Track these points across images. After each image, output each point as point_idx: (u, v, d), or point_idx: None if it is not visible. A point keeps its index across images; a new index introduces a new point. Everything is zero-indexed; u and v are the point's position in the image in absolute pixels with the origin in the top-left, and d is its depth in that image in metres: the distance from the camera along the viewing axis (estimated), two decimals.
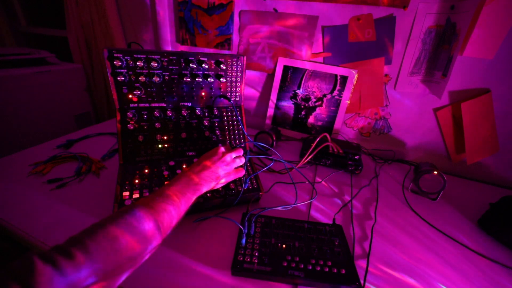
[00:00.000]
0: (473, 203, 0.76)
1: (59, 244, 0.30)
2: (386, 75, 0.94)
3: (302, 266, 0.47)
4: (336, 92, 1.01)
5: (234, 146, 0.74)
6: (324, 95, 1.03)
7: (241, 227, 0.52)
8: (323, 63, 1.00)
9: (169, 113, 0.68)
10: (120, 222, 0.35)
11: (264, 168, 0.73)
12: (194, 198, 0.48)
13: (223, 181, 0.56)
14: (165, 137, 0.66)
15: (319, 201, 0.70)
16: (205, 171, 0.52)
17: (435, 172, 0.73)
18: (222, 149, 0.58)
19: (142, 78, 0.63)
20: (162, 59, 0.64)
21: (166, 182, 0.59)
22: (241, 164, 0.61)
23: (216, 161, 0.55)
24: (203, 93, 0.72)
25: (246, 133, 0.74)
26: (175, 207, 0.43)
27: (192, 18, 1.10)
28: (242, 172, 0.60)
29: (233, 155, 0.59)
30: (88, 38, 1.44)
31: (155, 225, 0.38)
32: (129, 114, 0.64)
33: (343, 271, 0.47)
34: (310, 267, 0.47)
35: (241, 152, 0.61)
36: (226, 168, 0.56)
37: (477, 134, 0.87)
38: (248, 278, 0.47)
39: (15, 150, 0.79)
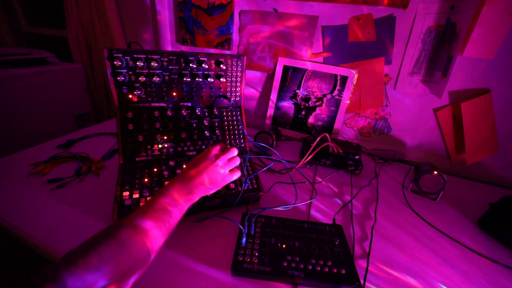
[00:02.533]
0: (473, 203, 0.76)
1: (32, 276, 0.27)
2: (386, 75, 0.94)
3: (302, 266, 0.47)
4: (336, 92, 1.01)
5: (228, 146, 0.74)
6: (324, 95, 1.03)
7: (241, 227, 0.52)
8: (323, 63, 1.00)
9: (169, 113, 0.68)
10: (102, 249, 0.31)
11: (264, 168, 0.73)
12: (187, 207, 0.46)
13: (217, 186, 0.52)
14: (165, 137, 0.66)
15: (319, 201, 0.70)
16: (197, 178, 0.48)
17: (435, 172, 0.73)
18: (214, 151, 0.53)
19: (142, 78, 0.63)
20: (162, 59, 0.64)
21: (155, 189, 0.56)
22: (236, 165, 0.56)
23: (208, 166, 0.50)
24: (203, 93, 0.72)
25: (246, 133, 0.74)
26: (166, 222, 0.40)
27: (192, 18, 1.10)
28: (238, 174, 0.56)
29: (227, 157, 0.54)
30: (88, 38, 1.44)
31: (142, 248, 0.35)
32: (129, 114, 0.64)
33: (343, 271, 0.47)
34: (310, 267, 0.47)
35: (235, 151, 0.56)
36: (220, 173, 0.52)
37: (477, 134, 0.87)
38: (248, 278, 0.47)
39: (15, 150, 0.79)
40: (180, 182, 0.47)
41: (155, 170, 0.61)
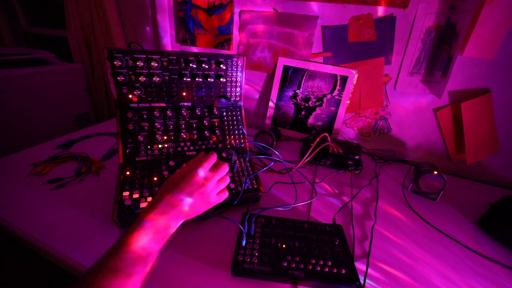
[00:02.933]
0: (473, 203, 0.76)
1: None
2: (386, 75, 0.94)
3: (302, 266, 0.47)
4: (336, 92, 1.01)
5: (223, 158, 0.64)
6: (324, 95, 1.03)
7: (241, 227, 0.52)
8: (323, 63, 1.00)
9: (169, 113, 0.68)
10: None
11: (264, 168, 0.73)
12: (165, 241, 0.39)
13: (200, 211, 0.45)
14: (165, 137, 0.66)
15: (319, 201, 0.70)
16: (178, 207, 0.40)
17: (435, 172, 0.73)
18: (203, 172, 0.44)
19: (142, 78, 0.63)
20: (162, 59, 0.64)
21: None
22: (226, 185, 0.49)
23: (194, 192, 0.42)
24: (203, 93, 0.72)
25: (246, 133, 0.74)
26: (141, 270, 0.34)
27: (192, 18, 1.10)
28: (225, 195, 0.49)
29: (218, 177, 0.46)
30: (88, 38, 1.44)
31: None
32: (129, 114, 0.64)
33: (343, 271, 0.47)
34: (310, 267, 0.47)
35: (227, 168, 0.49)
36: (206, 199, 0.44)
37: (477, 134, 0.87)
38: (248, 278, 0.47)
39: (15, 150, 0.79)
40: (158, 214, 0.38)
41: (155, 170, 0.61)
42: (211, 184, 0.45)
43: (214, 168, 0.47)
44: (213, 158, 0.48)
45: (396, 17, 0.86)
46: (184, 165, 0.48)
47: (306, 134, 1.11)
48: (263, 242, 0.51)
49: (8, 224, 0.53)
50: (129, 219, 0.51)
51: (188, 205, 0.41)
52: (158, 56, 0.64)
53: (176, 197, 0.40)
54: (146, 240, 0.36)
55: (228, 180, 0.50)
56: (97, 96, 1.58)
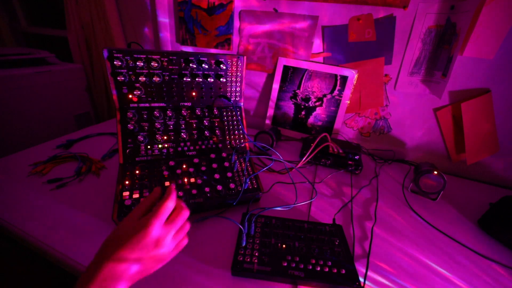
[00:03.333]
0: (473, 203, 0.76)
1: None
2: (386, 75, 0.94)
3: (302, 266, 0.47)
4: (336, 92, 1.01)
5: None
6: (324, 95, 1.03)
7: (241, 227, 0.52)
8: (323, 63, 1.00)
9: (169, 113, 0.68)
10: None
11: (264, 168, 0.73)
12: None
13: (152, 271, 0.36)
14: (165, 137, 0.66)
15: (319, 201, 0.70)
16: (121, 278, 0.32)
17: (435, 172, 0.73)
18: (155, 229, 0.34)
19: (142, 78, 0.63)
20: (162, 59, 0.64)
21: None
22: (184, 234, 0.40)
23: (143, 256, 0.33)
24: (203, 93, 0.72)
25: (246, 133, 0.74)
26: None
27: (192, 18, 1.10)
28: (184, 243, 0.41)
29: (174, 231, 0.37)
30: (88, 38, 1.44)
31: None
32: (129, 114, 0.64)
33: (343, 271, 0.47)
34: (310, 267, 0.47)
35: (187, 214, 0.40)
36: (161, 259, 0.36)
37: (477, 134, 0.87)
38: (248, 278, 0.47)
39: (15, 150, 0.79)
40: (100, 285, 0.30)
41: (155, 170, 0.61)
42: (166, 241, 0.35)
43: (172, 216, 0.37)
44: (171, 203, 0.37)
45: (396, 17, 0.86)
46: (133, 209, 0.37)
47: (306, 134, 1.11)
48: (263, 242, 0.51)
49: (8, 224, 0.53)
50: None
51: (136, 271, 0.33)
52: (158, 56, 0.64)
53: (120, 266, 0.32)
54: None
55: (188, 226, 0.41)
56: (97, 96, 1.58)
